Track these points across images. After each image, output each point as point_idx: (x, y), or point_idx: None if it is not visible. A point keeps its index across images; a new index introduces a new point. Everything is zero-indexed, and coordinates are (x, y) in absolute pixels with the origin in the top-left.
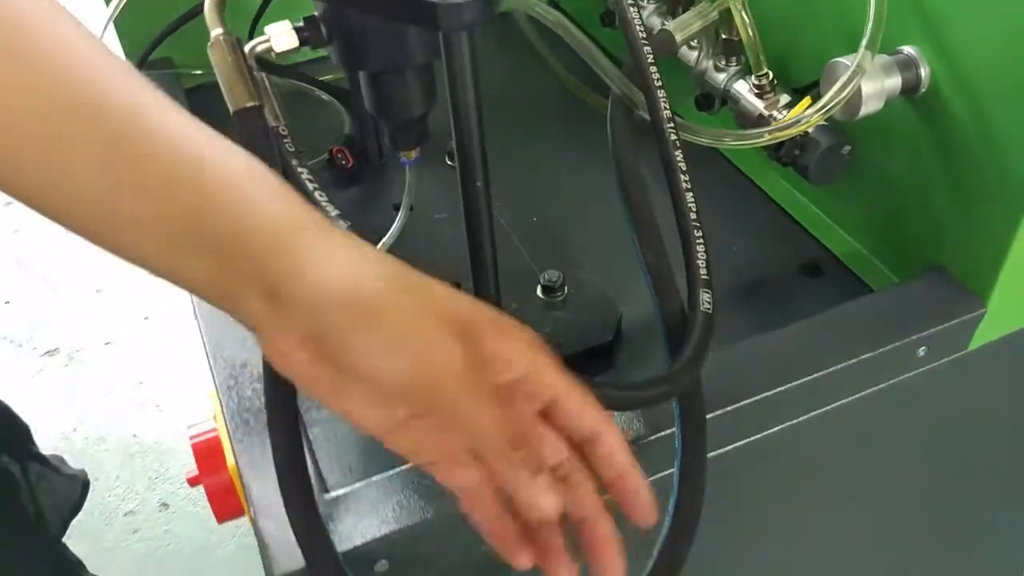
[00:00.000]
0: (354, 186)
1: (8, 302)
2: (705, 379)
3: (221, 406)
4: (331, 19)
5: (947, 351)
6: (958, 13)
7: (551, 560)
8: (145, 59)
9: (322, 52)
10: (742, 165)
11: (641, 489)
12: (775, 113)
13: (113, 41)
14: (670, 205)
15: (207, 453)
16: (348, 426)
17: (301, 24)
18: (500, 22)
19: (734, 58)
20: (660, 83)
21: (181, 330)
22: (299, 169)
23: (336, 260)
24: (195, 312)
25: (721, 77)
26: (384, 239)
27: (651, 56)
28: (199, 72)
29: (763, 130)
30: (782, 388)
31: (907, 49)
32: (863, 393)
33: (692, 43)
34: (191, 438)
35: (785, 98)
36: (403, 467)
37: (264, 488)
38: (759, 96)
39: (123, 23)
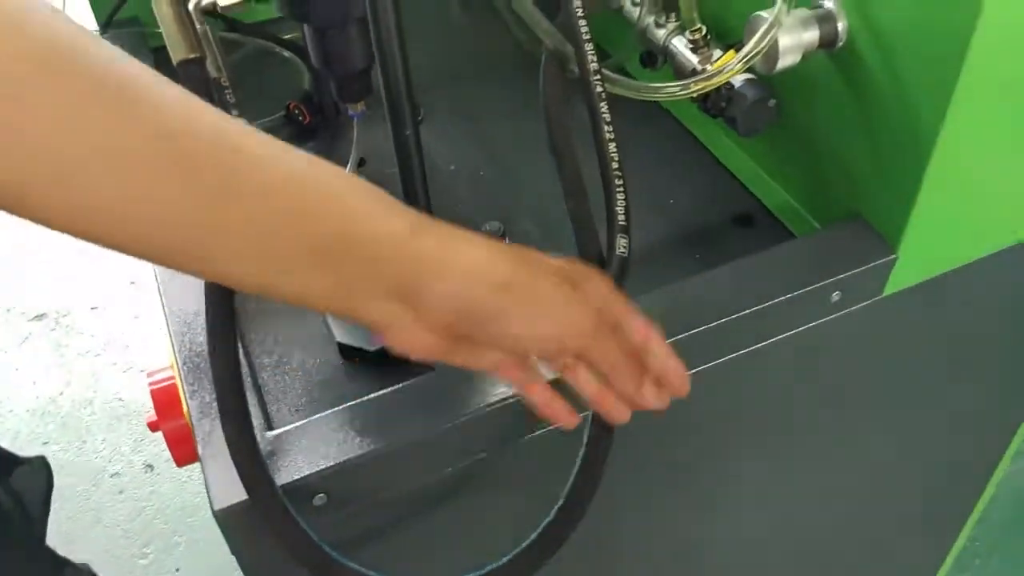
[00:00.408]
0: (311, 141)
1: None
2: None
3: (175, 352)
4: None
5: (861, 297)
6: None
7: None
8: (111, 18)
9: None
10: (687, 122)
11: (681, 368)
12: (708, 67)
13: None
14: None
15: (164, 399)
16: (294, 370)
17: None
18: None
19: (673, 14)
20: (588, 38)
21: None
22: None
23: (465, 250)
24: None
25: (661, 33)
26: None
27: (580, 11)
28: None
29: (688, 81)
30: (695, 331)
31: (827, 3)
32: (779, 337)
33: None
34: (150, 385)
35: (718, 53)
36: (341, 407)
37: (210, 428)
38: (694, 51)
39: None
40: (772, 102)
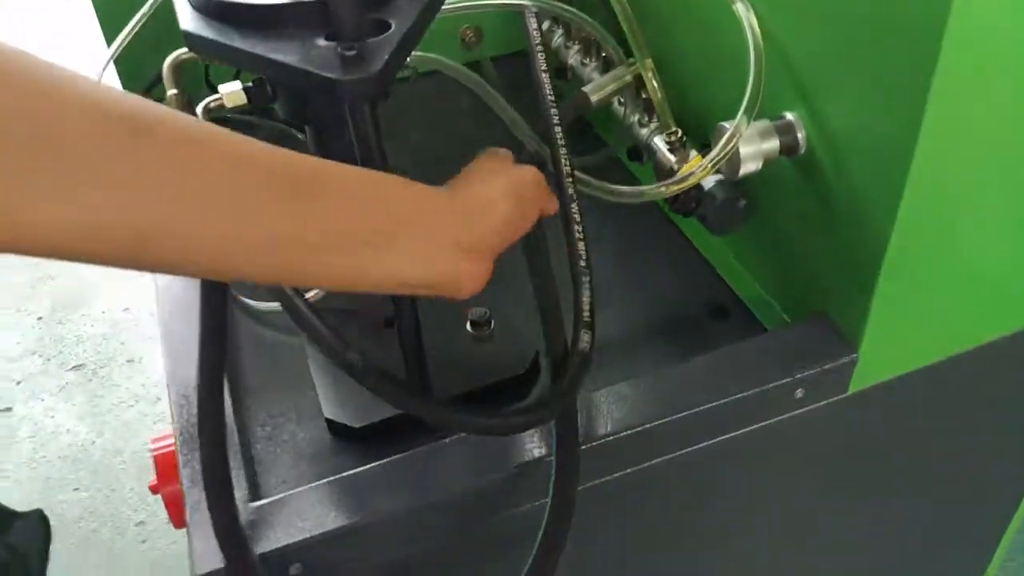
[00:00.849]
0: None
1: (40, 318)
2: (588, 412)
3: (174, 422)
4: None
5: (825, 394)
6: (826, 84)
7: None
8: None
9: None
10: (672, 214)
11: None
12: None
13: (114, 80)
14: None
15: (163, 464)
16: (285, 443)
17: (250, 85)
18: None
19: (655, 115)
20: (563, 142)
21: None
22: None
23: (479, 188)
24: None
25: (644, 132)
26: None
27: (556, 119)
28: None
29: (659, 184)
30: (666, 420)
31: (788, 115)
32: (747, 429)
33: (620, 100)
34: (152, 450)
35: (694, 153)
36: (320, 481)
37: (197, 497)
38: (671, 151)
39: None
40: (742, 203)
